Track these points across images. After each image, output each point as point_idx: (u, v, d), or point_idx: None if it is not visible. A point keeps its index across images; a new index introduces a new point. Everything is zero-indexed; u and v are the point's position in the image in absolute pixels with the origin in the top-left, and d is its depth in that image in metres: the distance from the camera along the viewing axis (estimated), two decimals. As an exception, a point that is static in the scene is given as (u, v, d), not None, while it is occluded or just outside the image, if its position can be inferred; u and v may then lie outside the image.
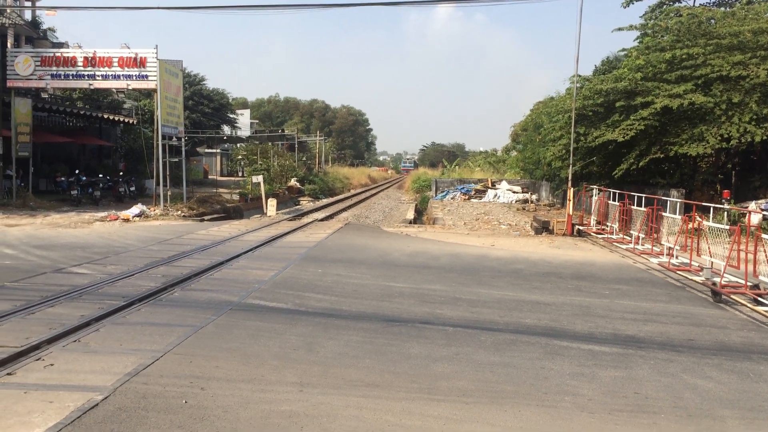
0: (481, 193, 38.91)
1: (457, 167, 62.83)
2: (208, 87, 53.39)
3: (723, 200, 19.89)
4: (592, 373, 6.63)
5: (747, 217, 15.80)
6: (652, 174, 24.51)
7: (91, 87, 25.55)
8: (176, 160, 28.13)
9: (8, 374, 5.98)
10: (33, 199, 23.91)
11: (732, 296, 10.68)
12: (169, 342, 7.08)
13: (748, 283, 10.65)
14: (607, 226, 19.50)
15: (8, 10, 29.73)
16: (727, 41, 21.81)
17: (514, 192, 38.07)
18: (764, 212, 17.75)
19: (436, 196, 40.74)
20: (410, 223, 28.19)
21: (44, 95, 31.18)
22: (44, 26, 36.63)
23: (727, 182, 23.97)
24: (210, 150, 63.76)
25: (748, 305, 10.24)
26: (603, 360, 7.12)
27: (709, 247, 12.54)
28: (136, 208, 22.32)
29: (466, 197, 38.30)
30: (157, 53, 23.74)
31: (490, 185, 40.21)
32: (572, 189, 21.32)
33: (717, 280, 10.97)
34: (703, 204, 15.43)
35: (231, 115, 58.47)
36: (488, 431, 5.15)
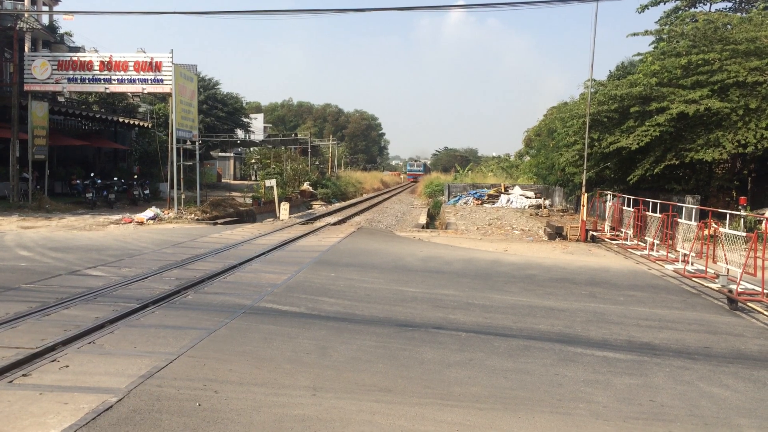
0: (494, 198, 38.83)
1: (469, 172, 62.87)
2: (223, 91, 53.85)
3: (739, 207, 19.68)
4: (607, 380, 6.57)
5: (764, 223, 15.62)
6: (667, 180, 24.32)
7: (107, 91, 25.78)
8: (190, 163, 28.32)
9: (24, 375, 6.03)
10: (48, 202, 24.15)
11: (748, 304, 10.57)
12: (182, 345, 7.11)
13: (765, 291, 10.52)
14: (622, 232, 19.36)
15: (26, 15, 30.13)
16: (743, 47, 21.62)
17: (527, 197, 37.95)
18: None
19: (448, 200, 40.72)
20: (423, 227, 28.14)
21: (60, 99, 31.55)
22: (61, 30, 37.23)
23: (743, 188, 23.73)
24: (223, 154, 64.15)
25: (765, 313, 10.12)
26: (618, 367, 7.06)
27: (725, 254, 12.40)
28: (150, 212, 22.49)
29: (479, 202, 38.24)
30: (172, 57, 23.95)
31: (503, 190, 40.11)
32: (586, 194, 21.21)
33: (733, 287, 10.86)
34: (719, 210, 15.27)
35: (244, 119, 58.89)
36: (502, 438, 5.11)
